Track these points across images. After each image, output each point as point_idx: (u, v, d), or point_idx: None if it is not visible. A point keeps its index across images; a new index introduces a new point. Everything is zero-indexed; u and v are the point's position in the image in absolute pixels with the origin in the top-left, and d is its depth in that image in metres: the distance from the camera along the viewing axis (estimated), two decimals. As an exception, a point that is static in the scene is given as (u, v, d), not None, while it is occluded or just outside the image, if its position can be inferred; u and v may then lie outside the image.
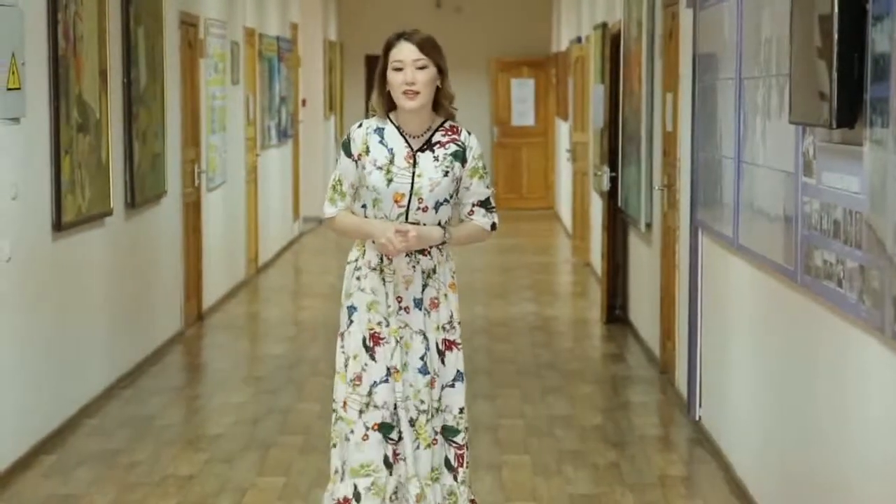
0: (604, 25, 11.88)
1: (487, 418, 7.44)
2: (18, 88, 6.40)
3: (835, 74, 4.07)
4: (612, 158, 10.64)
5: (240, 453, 6.72)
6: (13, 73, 6.32)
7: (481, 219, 4.86)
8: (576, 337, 10.26)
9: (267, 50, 13.98)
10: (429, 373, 4.77)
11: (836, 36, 4.06)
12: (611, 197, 10.63)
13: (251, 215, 13.04)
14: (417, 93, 4.67)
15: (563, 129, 18.27)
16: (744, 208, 5.83)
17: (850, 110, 4.07)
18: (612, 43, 10.92)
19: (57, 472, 6.38)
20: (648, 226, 9.07)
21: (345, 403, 4.77)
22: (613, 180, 10.54)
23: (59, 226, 7.00)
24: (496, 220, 4.89)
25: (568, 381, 8.46)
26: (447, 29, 21.08)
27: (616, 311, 10.53)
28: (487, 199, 4.85)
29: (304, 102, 17.05)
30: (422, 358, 4.77)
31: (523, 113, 21.17)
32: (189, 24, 10.26)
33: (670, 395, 7.95)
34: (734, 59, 6.03)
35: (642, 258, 9.60)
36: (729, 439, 6.40)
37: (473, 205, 4.84)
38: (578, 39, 15.29)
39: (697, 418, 7.15)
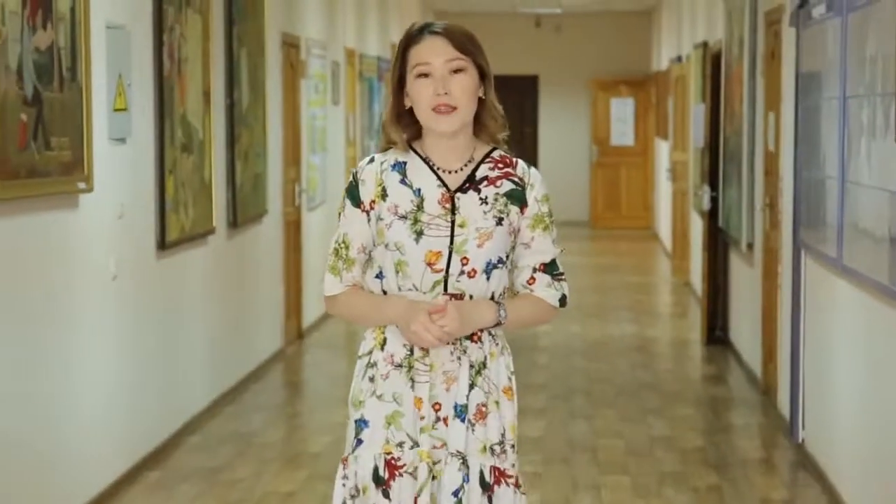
0: (704, 44, 11.82)
1: (586, 438, 7.41)
2: (125, 110, 6.51)
3: (942, 93, 4.01)
4: (712, 178, 10.58)
5: (339, 471, 6.75)
6: (120, 94, 6.43)
7: (545, 290, 3.34)
8: (675, 358, 10.19)
9: (367, 70, 14.08)
10: None
11: (943, 54, 4.01)
12: (711, 217, 10.55)
13: (351, 234, 13.10)
14: (455, 108, 3.23)
15: (662, 149, 18.18)
16: (848, 228, 5.76)
17: (958, 129, 4.01)
18: (713, 62, 10.86)
19: (160, 488, 6.46)
20: (750, 246, 8.99)
21: None
22: (714, 200, 10.47)
23: (163, 244, 7.09)
24: (566, 291, 3.37)
25: (667, 402, 8.40)
26: (547, 48, 21.15)
27: (716, 333, 10.44)
28: (553, 261, 3.35)
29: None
30: (455, 493, 3.28)
31: (623, 132, 21.12)
32: (291, 45, 10.37)
33: (772, 417, 7.86)
34: (838, 77, 5.96)
35: (743, 279, 9.51)
36: (833, 463, 6.31)
37: (535, 269, 3.33)
38: (678, 58, 15.22)
39: (800, 441, 7.06)
